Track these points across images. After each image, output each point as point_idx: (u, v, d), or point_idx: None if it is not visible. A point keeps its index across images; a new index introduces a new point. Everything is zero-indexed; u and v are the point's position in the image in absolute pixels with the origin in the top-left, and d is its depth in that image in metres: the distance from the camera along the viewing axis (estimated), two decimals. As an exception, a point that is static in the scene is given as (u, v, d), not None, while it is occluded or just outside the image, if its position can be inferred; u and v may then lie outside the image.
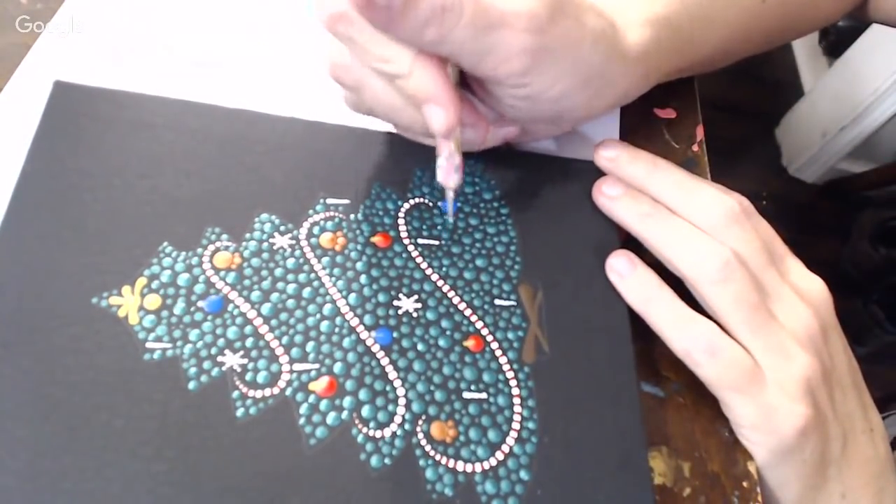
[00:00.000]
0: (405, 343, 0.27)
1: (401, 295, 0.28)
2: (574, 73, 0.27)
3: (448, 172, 0.27)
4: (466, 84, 0.29)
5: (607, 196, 0.31)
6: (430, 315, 0.27)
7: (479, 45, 0.24)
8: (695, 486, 0.28)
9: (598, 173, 0.32)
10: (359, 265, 0.28)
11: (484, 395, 0.26)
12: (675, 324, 0.27)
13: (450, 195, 0.28)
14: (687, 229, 0.28)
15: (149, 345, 0.24)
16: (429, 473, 0.24)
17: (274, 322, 0.26)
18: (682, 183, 0.29)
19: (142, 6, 0.33)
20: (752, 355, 0.26)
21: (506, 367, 0.27)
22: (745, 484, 0.28)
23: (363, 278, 0.27)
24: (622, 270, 0.29)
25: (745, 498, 0.28)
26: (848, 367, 0.28)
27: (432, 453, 0.25)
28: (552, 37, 0.25)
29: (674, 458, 0.28)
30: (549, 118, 0.30)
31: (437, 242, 0.29)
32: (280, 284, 0.26)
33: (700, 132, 0.37)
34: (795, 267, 0.29)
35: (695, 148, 0.37)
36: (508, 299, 0.29)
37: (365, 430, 0.24)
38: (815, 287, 0.29)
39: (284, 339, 0.25)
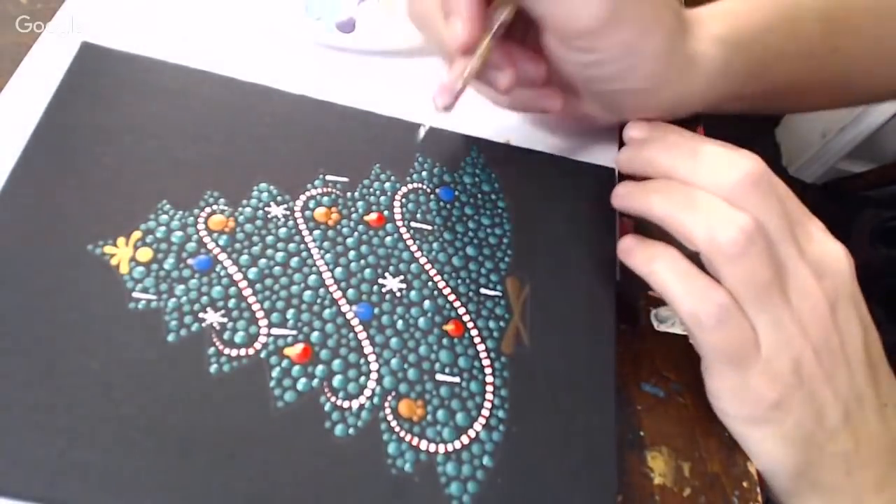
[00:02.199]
0: (385, 320, 0.27)
1: (387, 274, 0.28)
2: (641, 56, 0.27)
3: (442, 90, 0.27)
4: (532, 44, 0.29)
5: (620, 194, 0.30)
6: (413, 296, 0.28)
7: None
8: (695, 486, 0.28)
9: (600, 176, 0.32)
10: (349, 241, 0.28)
11: (457, 380, 0.26)
12: (684, 283, 0.26)
13: (429, 121, 0.29)
14: (701, 196, 0.26)
15: (135, 294, 0.25)
16: (391, 448, 0.24)
17: (258, 286, 0.26)
18: (693, 150, 0.27)
19: (143, 7, 0.33)
20: (755, 331, 0.25)
21: (483, 355, 0.27)
22: (745, 484, 0.28)
23: (352, 254, 0.28)
24: (630, 243, 0.28)
25: (745, 498, 0.28)
26: (862, 341, 0.27)
27: (397, 429, 0.25)
28: (628, 7, 0.26)
29: (674, 458, 0.28)
30: (602, 99, 0.30)
31: (429, 227, 0.29)
32: (269, 251, 0.27)
33: (700, 132, 0.37)
34: (816, 232, 0.27)
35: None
36: (494, 290, 0.29)
37: (333, 399, 0.25)
38: (834, 255, 0.27)
39: (266, 304, 0.26)
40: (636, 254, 0.27)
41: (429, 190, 0.30)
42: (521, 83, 0.29)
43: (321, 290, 0.27)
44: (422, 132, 0.30)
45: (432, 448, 0.25)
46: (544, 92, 0.31)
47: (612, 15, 0.25)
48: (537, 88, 0.30)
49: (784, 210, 0.26)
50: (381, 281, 0.28)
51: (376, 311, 0.27)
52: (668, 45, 0.27)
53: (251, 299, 0.26)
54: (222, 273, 0.26)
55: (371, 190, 0.30)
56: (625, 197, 0.29)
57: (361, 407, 0.25)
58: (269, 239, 0.27)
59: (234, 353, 0.25)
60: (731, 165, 0.26)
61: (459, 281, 0.28)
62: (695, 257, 0.26)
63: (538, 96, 0.31)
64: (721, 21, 0.30)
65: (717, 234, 0.25)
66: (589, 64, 0.28)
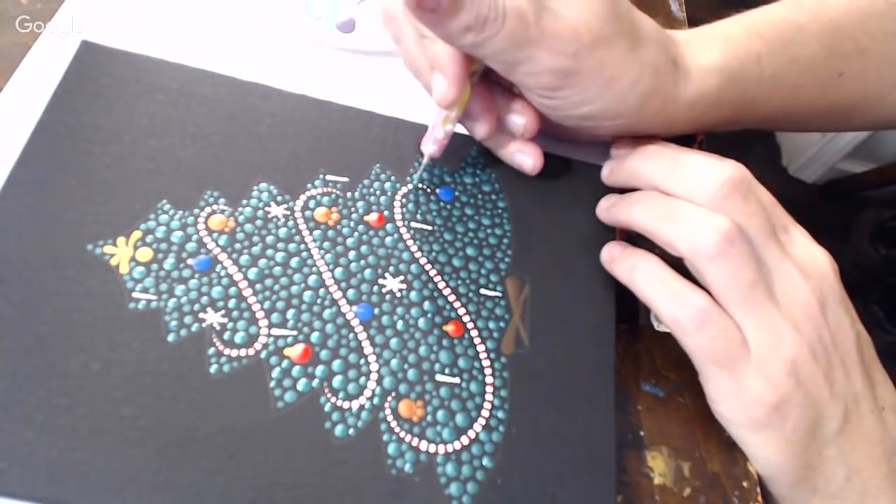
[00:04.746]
0: (385, 321, 0.27)
1: (387, 274, 0.28)
2: (605, 102, 0.28)
3: (427, 138, 0.29)
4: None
5: (604, 207, 0.31)
6: (413, 296, 0.28)
7: (512, 56, 0.26)
8: (695, 486, 0.28)
9: (599, 177, 0.32)
10: (349, 241, 0.28)
11: (457, 380, 0.26)
12: (663, 289, 0.26)
13: (423, 160, 0.30)
14: (680, 205, 0.26)
15: (135, 295, 0.25)
16: (391, 449, 0.24)
17: (259, 286, 0.26)
18: (673, 159, 0.28)
19: (143, 6, 0.33)
20: (742, 332, 0.25)
21: (483, 356, 0.27)
22: (745, 484, 0.28)
23: (352, 254, 0.28)
24: (613, 252, 0.29)
25: (745, 498, 0.28)
26: (855, 343, 0.27)
27: (397, 430, 0.25)
28: (588, 63, 0.26)
29: (674, 458, 0.29)
30: (574, 129, 0.30)
31: (430, 227, 0.29)
32: (269, 251, 0.27)
33: (699, 137, 0.37)
34: (799, 237, 0.27)
35: (695, 148, 0.36)
36: (494, 290, 0.29)
37: (333, 399, 0.25)
38: (818, 259, 0.27)
39: (266, 304, 0.26)
40: (617, 263, 0.29)
41: (429, 190, 0.30)
42: (505, 132, 0.31)
43: (321, 291, 0.27)
44: (422, 163, 0.30)
45: (432, 448, 0.25)
46: (525, 149, 0.31)
47: (572, 71, 0.26)
48: (522, 142, 0.31)
49: (766, 214, 0.26)
50: (381, 281, 0.28)
51: (376, 311, 0.27)
52: (640, 87, 0.28)
53: (251, 299, 0.26)
54: (222, 273, 0.26)
55: (371, 190, 0.30)
56: (608, 210, 0.30)
57: (361, 407, 0.25)
58: (270, 239, 0.27)
59: (234, 353, 0.25)
60: (710, 173, 0.26)
61: (459, 281, 0.28)
62: (681, 265, 0.27)
63: (517, 151, 0.31)
64: (716, 49, 0.30)
65: (696, 238, 0.25)
66: (556, 107, 0.29)
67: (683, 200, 0.27)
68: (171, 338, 0.24)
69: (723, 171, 0.26)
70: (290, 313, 0.26)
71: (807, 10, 0.33)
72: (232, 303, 0.26)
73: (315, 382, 0.25)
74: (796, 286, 0.26)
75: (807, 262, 0.27)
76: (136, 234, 0.26)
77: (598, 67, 0.27)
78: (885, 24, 0.34)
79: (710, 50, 0.30)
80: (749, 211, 0.26)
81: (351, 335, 0.26)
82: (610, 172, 0.31)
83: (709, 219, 0.25)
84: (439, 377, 0.26)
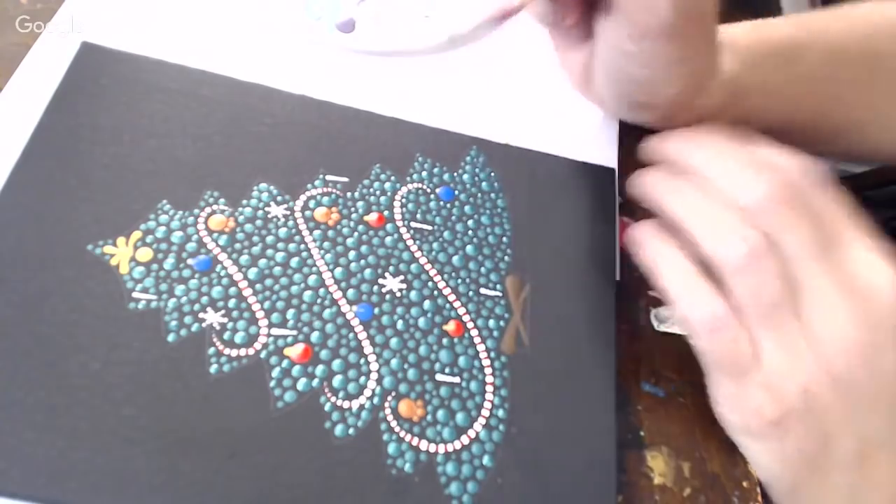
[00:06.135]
0: (385, 320, 0.27)
1: (387, 274, 0.28)
2: (664, 76, 0.29)
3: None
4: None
5: (636, 183, 0.28)
6: (413, 296, 0.28)
7: None
8: (695, 486, 0.28)
9: (600, 176, 0.32)
10: (349, 241, 0.28)
11: (457, 380, 0.26)
12: (684, 286, 0.25)
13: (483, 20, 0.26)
14: (716, 207, 0.24)
15: (135, 295, 0.25)
16: (391, 448, 0.24)
17: (259, 286, 0.26)
18: (724, 152, 0.26)
19: (143, 7, 0.33)
20: (755, 347, 0.24)
21: (483, 355, 0.27)
22: (745, 484, 0.28)
23: (352, 254, 0.28)
24: (642, 233, 0.27)
25: (745, 498, 0.28)
26: None
27: (397, 429, 0.25)
28: (692, 31, 0.27)
29: (674, 458, 0.28)
30: (608, 93, 0.31)
31: (429, 227, 0.29)
32: (269, 251, 0.27)
33: None
34: (858, 254, 0.24)
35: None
36: (494, 289, 0.29)
37: (333, 399, 0.25)
38: (875, 282, 0.23)
39: (266, 304, 0.26)
40: (645, 246, 0.27)
41: (429, 190, 0.30)
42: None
43: (321, 291, 0.27)
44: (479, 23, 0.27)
45: (432, 448, 0.25)
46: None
47: (681, 22, 0.26)
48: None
49: (815, 226, 0.24)
50: (381, 281, 0.28)
51: (376, 311, 0.27)
52: (690, 82, 0.29)
53: (251, 299, 0.26)
54: (222, 273, 0.26)
55: (371, 190, 0.30)
56: (642, 185, 0.28)
57: (361, 407, 0.25)
58: (270, 239, 0.27)
59: (234, 353, 0.25)
60: (756, 177, 0.24)
61: (459, 281, 0.28)
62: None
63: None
64: (725, 60, 0.30)
65: (723, 245, 0.24)
66: (628, 54, 0.28)
67: (722, 199, 0.25)
68: (171, 338, 0.24)
69: (775, 174, 0.24)
70: (290, 313, 0.26)
71: (810, 30, 0.33)
72: (232, 303, 0.26)
73: (315, 382, 0.25)
74: (835, 312, 0.23)
75: (859, 284, 0.24)
76: (136, 235, 0.26)
77: (692, 43, 0.27)
78: (871, 58, 0.35)
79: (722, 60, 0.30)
80: (795, 222, 0.24)
81: (351, 335, 0.26)
82: (653, 147, 0.29)
83: (740, 229, 0.24)
84: (439, 377, 0.26)
